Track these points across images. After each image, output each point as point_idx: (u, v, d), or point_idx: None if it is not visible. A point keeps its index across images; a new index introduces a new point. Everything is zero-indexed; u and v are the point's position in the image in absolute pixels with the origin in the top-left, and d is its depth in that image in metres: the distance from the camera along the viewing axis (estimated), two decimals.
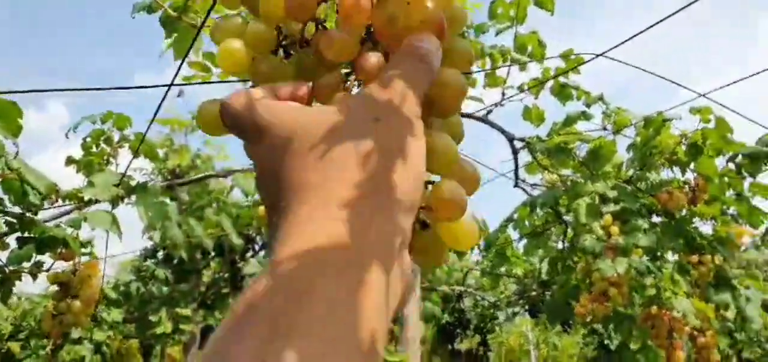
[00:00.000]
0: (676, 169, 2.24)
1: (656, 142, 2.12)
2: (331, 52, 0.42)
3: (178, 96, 3.78)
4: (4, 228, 1.56)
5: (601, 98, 2.45)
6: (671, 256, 2.44)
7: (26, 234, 1.43)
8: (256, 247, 4.69)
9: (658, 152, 2.18)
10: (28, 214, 1.40)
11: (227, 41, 0.46)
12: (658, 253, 2.22)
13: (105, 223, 1.54)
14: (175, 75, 1.17)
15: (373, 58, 0.41)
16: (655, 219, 2.37)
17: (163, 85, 1.11)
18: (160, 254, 4.59)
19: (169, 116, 4.49)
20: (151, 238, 4.34)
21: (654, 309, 2.21)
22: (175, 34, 1.12)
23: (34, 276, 1.56)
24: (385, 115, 0.34)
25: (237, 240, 3.98)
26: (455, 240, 0.41)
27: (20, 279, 1.53)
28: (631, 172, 2.33)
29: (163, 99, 1.25)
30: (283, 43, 0.47)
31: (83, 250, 1.83)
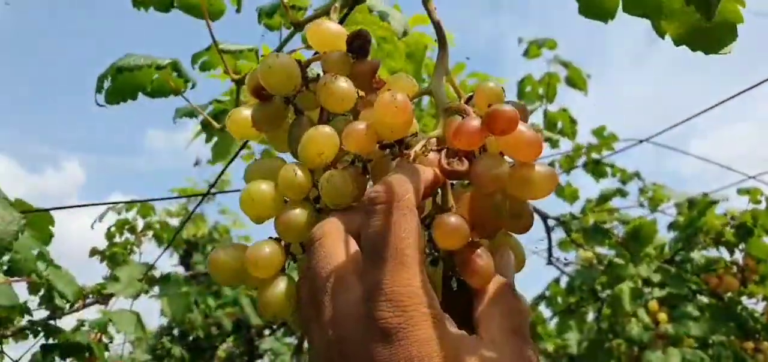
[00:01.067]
0: (722, 248, 2.14)
1: (701, 223, 2.03)
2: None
3: (195, 165, 3.76)
4: (27, 332, 1.49)
5: (637, 175, 2.38)
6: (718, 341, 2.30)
7: (50, 341, 1.36)
8: (275, 326, 4.57)
9: (703, 233, 2.08)
10: (52, 322, 1.33)
11: (254, 183, 0.44)
12: (709, 341, 2.08)
13: (130, 326, 1.47)
14: (217, 179, 1.12)
15: (485, 259, 0.37)
16: (702, 298, 2.25)
17: (201, 193, 1.06)
18: (176, 331, 4.48)
19: (185, 185, 4.48)
20: (166, 315, 4.22)
21: None
22: (216, 139, 1.08)
23: None
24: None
25: (255, 320, 3.87)
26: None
27: None
28: (674, 252, 2.23)
29: (201, 201, 1.20)
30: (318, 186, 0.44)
31: (104, 338, 1.75)
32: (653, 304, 2.04)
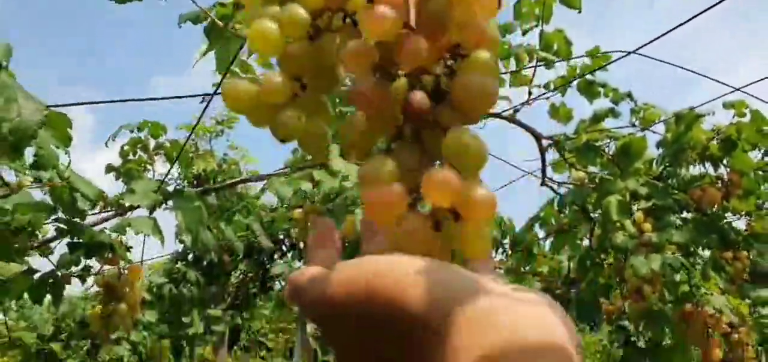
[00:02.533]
0: (708, 164, 2.22)
1: (688, 138, 2.11)
2: (372, 30, 0.42)
3: (202, 102, 3.85)
4: (53, 234, 1.63)
5: (629, 95, 2.44)
6: (704, 252, 2.41)
7: (76, 240, 1.49)
8: (284, 249, 4.76)
9: (689, 148, 2.16)
10: (76, 217, 1.46)
11: (260, 21, 0.45)
12: (692, 250, 2.20)
13: (148, 228, 1.60)
14: (220, 82, 1.21)
15: (420, 96, 0.42)
16: (688, 215, 2.35)
17: (209, 94, 1.16)
18: (191, 256, 4.68)
19: (193, 122, 4.58)
20: (181, 242, 4.42)
21: (689, 306, 2.20)
22: (218, 45, 1.16)
23: (83, 280, 1.62)
24: None
25: (266, 243, 4.04)
26: (468, 246, 0.40)
27: (70, 283, 1.60)
28: (661, 169, 2.32)
29: (205, 107, 1.30)
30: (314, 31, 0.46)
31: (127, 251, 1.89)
32: (639, 215, 2.15)
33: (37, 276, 1.51)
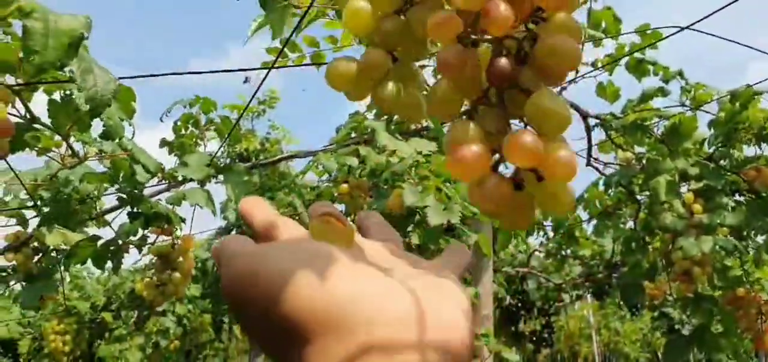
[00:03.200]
0: (764, 145, 2.15)
1: (743, 118, 2.04)
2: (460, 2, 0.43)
3: (245, 82, 3.93)
4: (111, 205, 1.70)
5: (680, 73, 2.37)
6: (759, 238, 2.35)
7: (136, 210, 1.56)
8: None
9: (744, 128, 2.10)
10: (137, 188, 1.52)
11: (353, 2, 0.46)
12: (745, 233, 2.14)
13: (202, 200, 1.65)
14: (277, 56, 1.24)
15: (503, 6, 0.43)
16: (740, 198, 2.28)
17: (266, 67, 1.19)
18: (234, 233, 4.81)
19: (237, 101, 4.67)
20: (225, 218, 4.55)
21: (741, 291, 2.14)
22: (274, 15, 1.18)
23: (140, 249, 1.69)
24: None
25: (308, 220, 4.12)
26: (555, 203, 0.41)
27: (128, 252, 1.67)
28: (713, 149, 2.25)
29: (260, 83, 1.33)
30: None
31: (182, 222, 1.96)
32: (689, 196, 2.10)
33: (100, 243, 1.58)
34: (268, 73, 1.27)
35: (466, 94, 0.48)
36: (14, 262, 1.78)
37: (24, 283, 1.76)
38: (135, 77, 1.54)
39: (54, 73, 1.04)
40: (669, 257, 2.31)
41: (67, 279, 4.49)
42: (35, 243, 1.78)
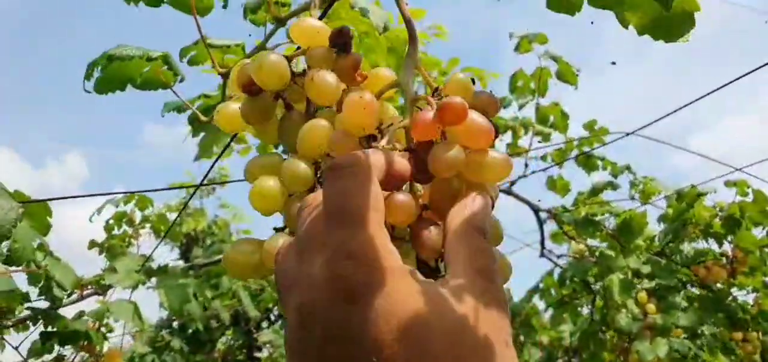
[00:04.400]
0: (711, 240, 2.17)
1: (690, 215, 2.06)
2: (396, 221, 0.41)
3: (196, 160, 3.80)
4: (28, 323, 1.53)
5: (628, 168, 2.41)
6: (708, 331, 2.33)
7: (49, 329, 1.40)
8: (272, 317, 4.63)
9: (692, 224, 2.11)
10: (51, 308, 1.36)
11: (261, 180, 0.46)
12: (699, 331, 2.12)
13: (127, 315, 1.51)
14: (207, 173, 1.15)
15: (434, 233, 0.40)
16: (692, 290, 2.28)
17: (196, 185, 1.10)
18: (175, 323, 4.52)
19: (185, 179, 4.51)
20: (165, 308, 4.29)
21: None
22: (203, 134, 1.10)
23: None
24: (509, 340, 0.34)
25: (254, 312, 3.91)
26: None
27: None
28: (663, 244, 2.26)
29: (193, 193, 1.23)
30: (321, 180, 0.46)
31: (102, 329, 1.78)
32: (643, 295, 2.08)
33: None
34: (195, 190, 1.17)
35: None
36: None
37: None
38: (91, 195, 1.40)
39: None
40: (627, 357, 2.25)
41: None
42: None
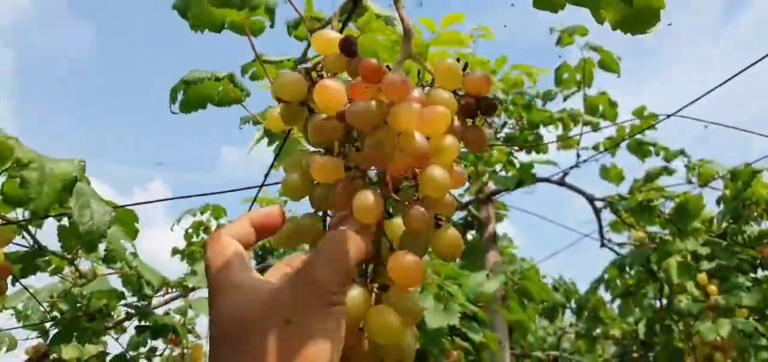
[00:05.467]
0: None
1: (748, 194, 2.02)
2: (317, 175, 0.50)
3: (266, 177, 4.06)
4: (123, 316, 1.76)
5: (682, 152, 2.38)
6: None
7: (143, 323, 1.61)
8: None
9: (752, 203, 2.07)
10: (143, 304, 1.57)
11: (288, 175, 0.55)
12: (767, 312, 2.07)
13: (207, 309, 1.69)
14: (265, 177, 1.31)
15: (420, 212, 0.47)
16: (759, 274, 2.22)
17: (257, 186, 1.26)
18: None
19: (260, 196, 4.80)
20: None
21: None
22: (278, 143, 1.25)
23: (150, 360, 1.72)
24: (295, 318, 0.38)
25: None
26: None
27: None
28: (724, 226, 2.22)
29: (258, 191, 1.40)
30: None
31: (188, 333, 2.00)
32: (702, 277, 2.06)
33: (109, 358, 1.62)
34: (261, 185, 1.34)
35: None
36: None
37: None
38: (157, 201, 1.62)
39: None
40: (692, 340, 2.23)
41: None
42: (54, 356, 1.83)
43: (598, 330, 4.64)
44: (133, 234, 1.36)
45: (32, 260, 1.31)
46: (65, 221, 1.34)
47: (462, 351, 1.59)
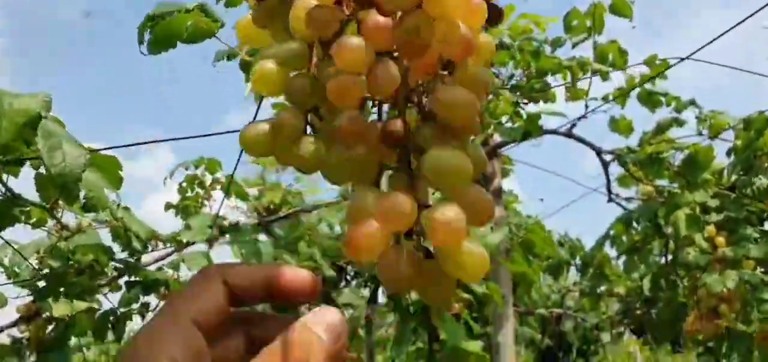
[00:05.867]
0: None
1: (760, 144, 1.94)
2: (342, 62, 0.41)
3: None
4: (114, 273, 1.72)
5: (693, 102, 2.29)
6: None
7: (133, 279, 1.56)
8: (349, 278, 4.79)
9: (763, 154, 1.99)
10: (133, 260, 1.53)
11: (261, 63, 0.45)
12: None
13: (201, 263, 1.65)
14: (256, 113, 1.24)
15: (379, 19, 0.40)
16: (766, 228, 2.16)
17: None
18: None
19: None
20: None
21: None
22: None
23: (143, 316, 1.69)
24: None
25: (329, 272, 4.08)
26: (459, 269, 0.38)
27: (131, 320, 1.67)
28: (734, 179, 2.15)
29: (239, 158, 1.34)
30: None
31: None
32: (711, 229, 2.00)
33: (98, 314, 1.58)
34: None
35: (365, 161, 0.45)
36: (27, 334, 1.80)
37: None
38: (147, 142, 1.56)
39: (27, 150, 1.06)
40: (697, 293, 2.19)
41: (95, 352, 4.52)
42: (47, 314, 1.80)
43: (602, 288, 4.62)
44: (116, 182, 1.29)
45: (8, 210, 1.26)
46: (43, 169, 1.28)
47: (464, 304, 1.54)
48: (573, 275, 5.26)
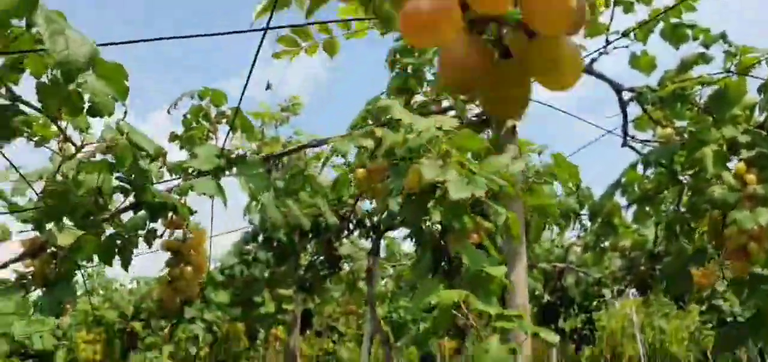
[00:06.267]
0: None
1: None
2: None
3: (267, 89, 3.89)
4: (120, 197, 1.63)
5: (723, 36, 2.19)
6: None
7: (139, 201, 1.48)
8: (351, 227, 4.73)
9: None
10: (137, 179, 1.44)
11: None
12: None
13: (210, 189, 1.57)
14: (262, 38, 1.14)
15: None
16: None
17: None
18: (260, 238, 4.75)
19: (260, 110, 4.67)
20: (251, 222, 4.51)
21: None
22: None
23: (149, 243, 1.61)
24: None
25: (332, 220, 4.02)
26: (554, 64, 0.35)
27: (137, 246, 1.59)
28: (765, 116, 2.06)
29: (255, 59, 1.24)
30: None
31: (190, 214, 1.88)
32: (741, 166, 1.92)
33: (104, 236, 1.51)
34: (264, 35, 1.17)
35: None
36: (32, 269, 1.73)
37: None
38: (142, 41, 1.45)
39: (29, 42, 0.96)
40: (719, 237, 2.12)
41: (100, 291, 4.50)
42: (52, 248, 1.72)
43: (606, 243, 4.58)
44: (122, 92, 1.21)
45: (8, 119, 1.17)
46: (44, 78, 1.19)
47: (485, 232, 1.47)
48: (577, 230, 5.22)
